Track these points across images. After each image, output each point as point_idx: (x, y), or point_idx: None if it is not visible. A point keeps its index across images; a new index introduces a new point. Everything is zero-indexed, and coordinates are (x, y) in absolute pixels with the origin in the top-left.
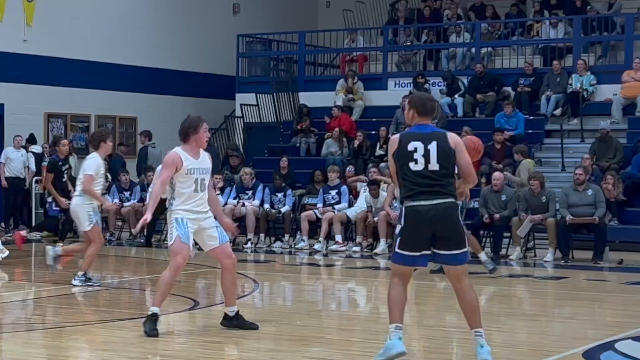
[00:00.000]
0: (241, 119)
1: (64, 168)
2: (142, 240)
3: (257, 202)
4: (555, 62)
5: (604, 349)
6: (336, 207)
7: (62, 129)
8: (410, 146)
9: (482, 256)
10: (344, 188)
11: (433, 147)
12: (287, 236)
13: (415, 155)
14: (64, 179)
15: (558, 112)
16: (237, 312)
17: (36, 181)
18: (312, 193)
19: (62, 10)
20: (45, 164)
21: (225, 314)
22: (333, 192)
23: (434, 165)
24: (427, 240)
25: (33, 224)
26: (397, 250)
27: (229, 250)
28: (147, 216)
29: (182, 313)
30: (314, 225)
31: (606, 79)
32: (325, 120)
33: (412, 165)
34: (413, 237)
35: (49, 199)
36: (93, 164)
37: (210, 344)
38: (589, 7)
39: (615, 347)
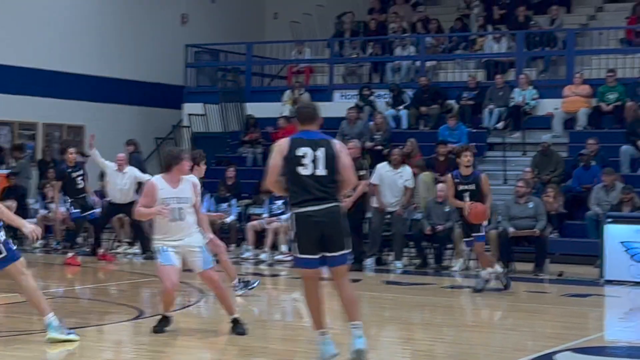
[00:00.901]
0: (188, 129)
1: (74, 175)
2: (87, 250)
3: (203, 211)
4: (498, 76)
5: None
6: (282, 217)
7: (9, 136)
8: (300, 151)
9: (484, 273)
10: None
11: (320, 153)
12: (232, 246)
13: (304, 160)
14: (80, 185)
15: (500, 125)
16: (234, 319)
17: None
18: (258, 203)
19: (10, 18)
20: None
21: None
22: (279, 203)
23: (321, 171)
24: (319, 243)
25: None
26: (297, 255)
27: (210, 276)
28: (154, 210)
29: (127, 322)
30: (260, 235)
31: (548, 94)
32: (269, 131)
33: (300, 169)
34: (307, 240)
35: (67, 204)
36: None
37: (155, 354)
38: (531, 22)
39: (554, 358)
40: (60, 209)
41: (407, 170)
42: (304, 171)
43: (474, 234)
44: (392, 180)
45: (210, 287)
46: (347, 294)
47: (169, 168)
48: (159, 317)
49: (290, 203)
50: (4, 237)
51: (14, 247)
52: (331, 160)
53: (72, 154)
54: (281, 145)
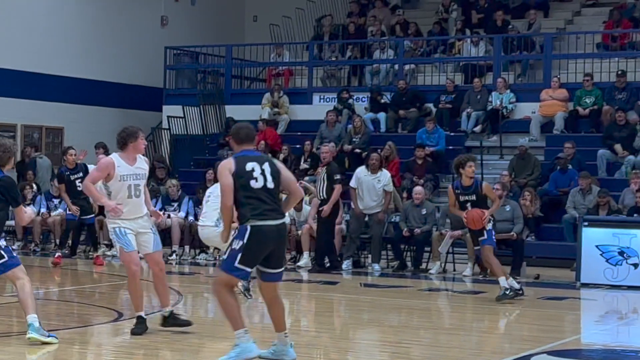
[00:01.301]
0: (168, 131)
1: (72, 177)
2: (66, 252)
3: (182, 214)
4: (475, 80)
5: None
6: None
7: None
8: (248, 166)
9: (502, 281)
10: None
11: (267, 167)
12: (212, 248)
13: (255, 174)
14: (80, 188)
15: (478, 128)
16: (171, 312)
17: None
18: None
19: None
20: None
21: (162, 316)
22: None
23: (270, 184)
24: (263, 258)
25: None
26: (236, 265)
27: (158, 258)
28: (105, 201)
29: (106, 325)
30: None
31: (525, 97)
32: None
33: (253, 183)
34: (256, 255)
35: (64, 206)
36: None
37: (133, 356)
38: (509, 26)
39: None
40: (60, 210)
41: (385, 175)
42: (256, 184)
43: (479, 239)
44: (370, 185)
45: (154, 270)
46: (280, 308)
47: (124, 145)
48: (136, 319)
49: (249, 215)
50: (4, 244)
51: (14, 254)
52: (276, 174)
53: (71, 156)
54: (227, 164)
